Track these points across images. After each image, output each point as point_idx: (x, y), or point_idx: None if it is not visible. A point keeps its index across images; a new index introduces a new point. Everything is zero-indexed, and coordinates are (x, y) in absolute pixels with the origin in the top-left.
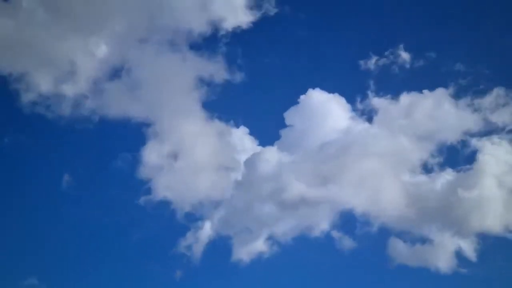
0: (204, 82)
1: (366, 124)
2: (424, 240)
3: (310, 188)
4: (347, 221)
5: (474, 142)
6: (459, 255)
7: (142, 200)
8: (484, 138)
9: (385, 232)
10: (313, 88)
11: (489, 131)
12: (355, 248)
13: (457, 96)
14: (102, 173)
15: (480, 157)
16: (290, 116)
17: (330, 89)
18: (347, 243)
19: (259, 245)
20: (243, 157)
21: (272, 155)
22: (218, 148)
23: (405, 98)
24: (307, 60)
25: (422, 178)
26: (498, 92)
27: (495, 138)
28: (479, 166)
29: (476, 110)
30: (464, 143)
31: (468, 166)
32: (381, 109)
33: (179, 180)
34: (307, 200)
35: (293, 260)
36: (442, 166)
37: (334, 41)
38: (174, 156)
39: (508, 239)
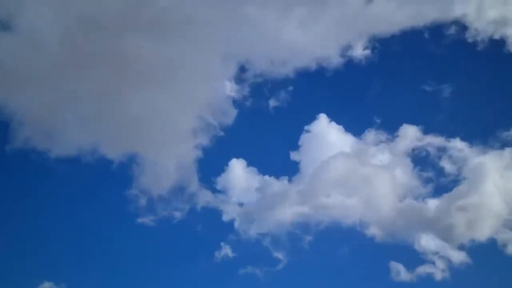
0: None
1: (367, 152)
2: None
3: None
4: (348, 236)
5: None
6: (455, 266)
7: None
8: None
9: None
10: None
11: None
12: (355, 261)
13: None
14: None
15: (472, 169)
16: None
17: (333, 119)
18: (347, 257)
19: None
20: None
21: (278, 184)
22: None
23: (405, 130)
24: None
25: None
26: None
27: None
28: (472, 179)
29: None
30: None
31: (460, 180)
32: (383, 138)
33: None
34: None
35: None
36: (439, 190)
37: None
38: None
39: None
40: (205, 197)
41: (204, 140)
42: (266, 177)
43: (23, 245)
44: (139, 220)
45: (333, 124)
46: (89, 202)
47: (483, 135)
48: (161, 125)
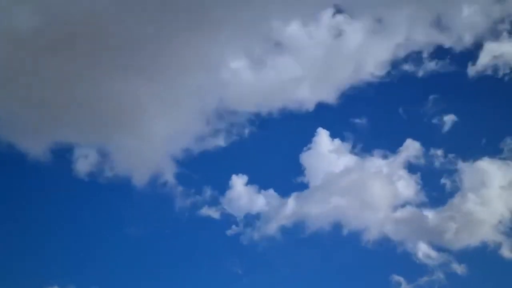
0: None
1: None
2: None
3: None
4: (350, 247)
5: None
6: (455, 276)
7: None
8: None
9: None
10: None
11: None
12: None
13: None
14: None
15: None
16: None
17: (334, 135)
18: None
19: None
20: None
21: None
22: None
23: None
24: None
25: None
26: None
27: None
28: (469, 189)
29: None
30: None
31: (458, 191)
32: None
33: None
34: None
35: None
36: (437, 201)
37: None
38: None
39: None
40: (207, 210)
41: (202, 146)
42: (264, 191)
43: (30, 248)
44: (127, 230)
45: (333, 138)
46: (82, 201)
47: (479, 147)
48: (152, 122)
